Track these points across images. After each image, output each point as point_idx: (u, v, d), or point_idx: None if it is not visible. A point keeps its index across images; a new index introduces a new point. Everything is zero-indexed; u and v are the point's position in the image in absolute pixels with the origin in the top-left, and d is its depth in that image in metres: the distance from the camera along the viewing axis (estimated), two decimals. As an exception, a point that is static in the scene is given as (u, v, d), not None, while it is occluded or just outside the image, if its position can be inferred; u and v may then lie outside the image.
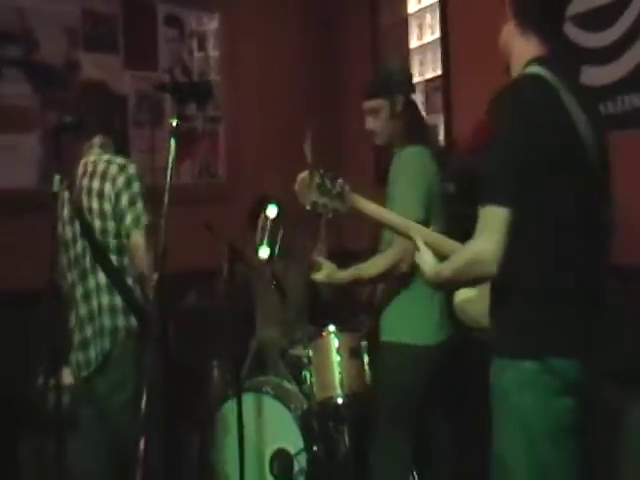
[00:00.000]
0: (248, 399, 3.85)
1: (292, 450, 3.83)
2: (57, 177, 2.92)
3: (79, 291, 3.47)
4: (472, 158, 3.90)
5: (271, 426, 3.84)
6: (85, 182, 3.45)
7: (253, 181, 5.29)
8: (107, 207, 3.39)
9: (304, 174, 2.63)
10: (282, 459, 3.87)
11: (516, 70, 2.41)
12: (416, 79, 5.34)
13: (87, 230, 3.43)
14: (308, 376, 3.88)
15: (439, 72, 5.14)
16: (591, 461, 2.38)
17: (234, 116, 5.57)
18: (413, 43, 5.44)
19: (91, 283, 3.44)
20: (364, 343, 3.96)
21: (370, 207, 2.73)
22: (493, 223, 2.19)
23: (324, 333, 3.91)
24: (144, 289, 3.41)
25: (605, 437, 2.86)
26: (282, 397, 3.92)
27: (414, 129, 3.53)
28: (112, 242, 3.40)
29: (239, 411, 3.56)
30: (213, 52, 5.62)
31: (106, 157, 3.49)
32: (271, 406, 3.93)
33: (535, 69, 2.31)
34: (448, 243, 2.61)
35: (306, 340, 4.10)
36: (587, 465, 2.34)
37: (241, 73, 5.55)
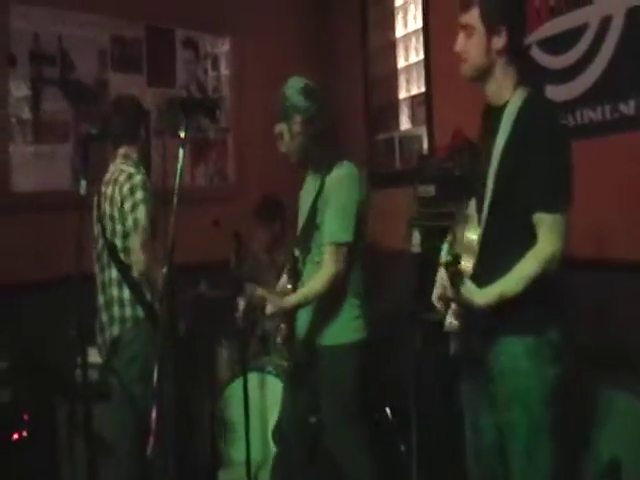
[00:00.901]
0: (253, 377, 3.90)
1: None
2: (83, 182, 2.92)
3: (99, 281, 3.53)
4: (449, 163, 3.90)
5: (273, 400, 3.83)
6: (104, 188, 3.49)
7: (258, 183, 5.30)
8: (115, 211, 3.43)
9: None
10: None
11: (503, 92, 2.42)
12: (403, 95, 5.37)
13: (102, 231, 3.46)
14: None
15: (423, 89, 5.12)
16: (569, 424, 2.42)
17: (242, 127, 5.60)
18: (400, 63, 5.42)
19: (106, 276, 3.49)
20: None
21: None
22: (560, 229, 2.26)
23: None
24: (150, 283, 3.42)
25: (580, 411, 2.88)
26: (283, 375, 3.94)
27: (326, 149, 3.21)
28: (119, 242, 3.44)
29: (245, 387, 3.59)
30: (225, 71, 5.62)
31: (122, 166, 3.50)
32: (273, 383, 3.94)
33: (534, 92, 2.39)
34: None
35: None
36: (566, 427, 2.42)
37: (249, 90, 5.56)
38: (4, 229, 4.25)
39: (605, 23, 3.49)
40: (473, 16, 2.42)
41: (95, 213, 3.55)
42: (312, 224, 3.17)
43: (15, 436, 3.74)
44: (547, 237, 2.25)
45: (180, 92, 5.25)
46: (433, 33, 4.98)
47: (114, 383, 3.45)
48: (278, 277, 3.65)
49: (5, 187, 4.53)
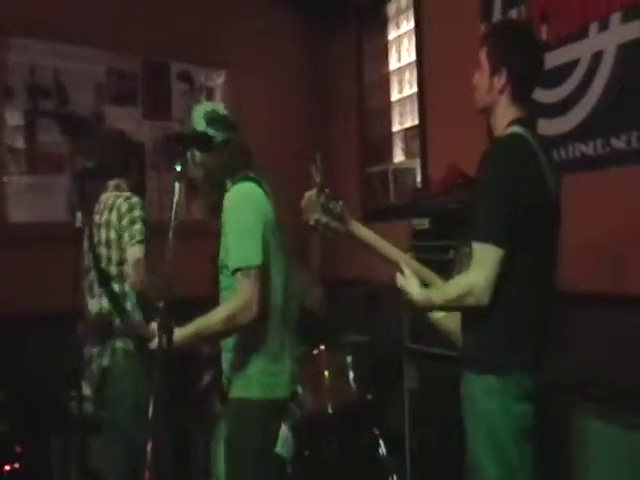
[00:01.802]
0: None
1: (285, 454, 3.82)
2: (79, 214, 2.96)
3: (92, 312, 3.51)
4: (444, 197, 3.94)
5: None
6: (97, 217, 3.51)
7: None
8: (112, 236, 3.44)
9: (311, 192, 2.51)
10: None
11: (499, 127, 2.50)
12: (396, 128, 5.43)
13: (95, 260, 3.48)
14: (299, 389, 3.87)
15: (416, 122, 5.16)
16: (545, 461, 2.41)
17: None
18: (394, 96, 5.49)
19: (96, 307, 3.48)
20: (349, 359, 3.97)
21: (365, 233, 2.59)
22: (489, 260, 2.25)
23: (315, 351, 3.92)
24: (143, 305, 3.43)
25: (555, 442, 2.87)
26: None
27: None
28: (114, 269, 3.44)
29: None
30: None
31: (116, 193, 3.54)
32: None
33: (517, 129, 2.41)
34: (428, 273, 2.56)
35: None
36: (543, 465, 2.37)
37: (243, 122, 5.59)
38: (-1, 260, 4.26)
39: (596, 59, 3.56)
40: (482, 54, 2.53)
41: (86, 244, 3.57)
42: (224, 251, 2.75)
43: (7, 467, 3.73)
44: (473, 266, 2.28)
45: (175, 125, 5.29)
46: (427, 66, 5.04)
47: (105, 416, 3.44)
48: None
49: (0, 218, 4.55)
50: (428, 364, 3.86)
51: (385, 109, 5.56)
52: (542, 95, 3.79)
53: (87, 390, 3.46)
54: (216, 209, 2.72)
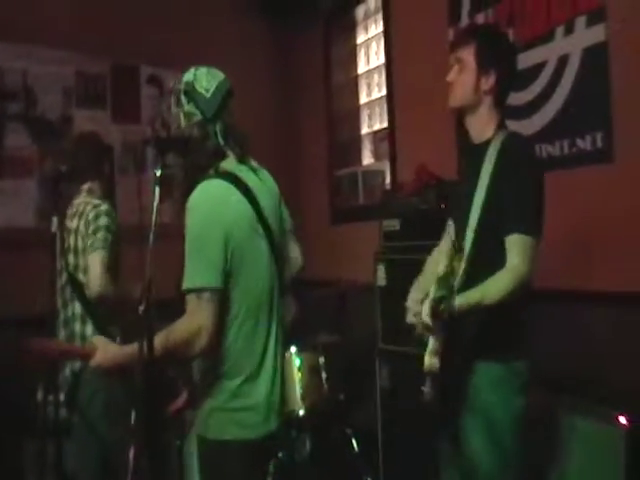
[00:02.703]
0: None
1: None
2: (55, 218, 2.96)
3: (61, 317, 3.51)
4: (414, 198, 4.00)
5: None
6: (68, 222, 3.51)
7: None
8: (80, 243, 3.45)
9: None
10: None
11: (482, 128, 2.55)
12: (365, 130, 5.49)
13: (66, 265, 3.48)
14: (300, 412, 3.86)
15: (385, 124, 5.22)
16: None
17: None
18: (363, 99, 5.55)
19: (69, 311, 3.49)
20: (322, 360, 4.00)
21: None
22: (530, 252, 2.33)
23: (287, 354, 3.93)
24: (94, 314, 3.42)
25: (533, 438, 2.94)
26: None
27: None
28: (82, 276, 3.45)
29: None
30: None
31: (87, 199, 3.54)
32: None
33: (513, 133, 2.54)
34: None
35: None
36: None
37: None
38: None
39: (562, 62, 3.64)
40: (468, 52, 2.53)
41: (58, 248, 3.56)
42: None
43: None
44: (520, 257, 2.32)
45: (145, 128, 5.29)
46: (395, 69, 5.10)
47: (76, 419, 3.45)
48: None
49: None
50: (400, 364, 3.91)
51: (354, 112, 5.62)
52: (510, 97, 3.86)
53: (62, 395, 3.47)
54: (187, 198, 2.43)
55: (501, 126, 2.53)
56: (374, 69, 5.40)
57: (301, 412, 3.85)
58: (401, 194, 4.17)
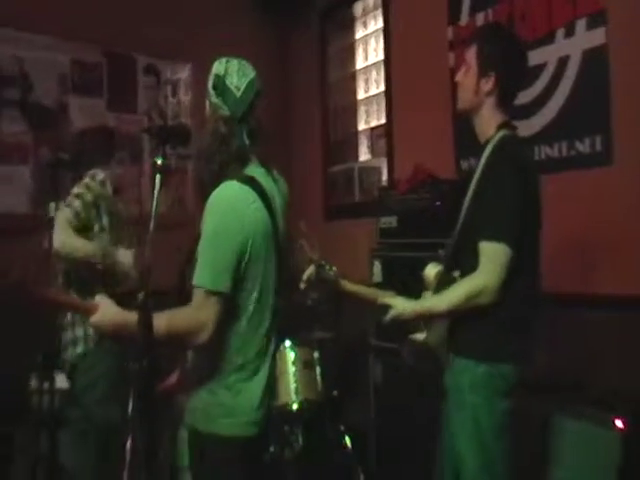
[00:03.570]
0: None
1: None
2: (52, 204, 2.97)
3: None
4: (411, 195, 4.02)
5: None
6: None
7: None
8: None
9: (310, 270, 2.61)
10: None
11: (485, 129, 2.55)
12: (362, 127, 5.49)
13: None
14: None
15: (383, 121, 5.23)
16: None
17: (201, 154, 5.61)
18: (360, 95, 5.56)
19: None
20: (316, 354, 4.01)
21: (351, 287, 2.77)
22: (501, 260, 2.31)
23: (281, 348, 3.93)
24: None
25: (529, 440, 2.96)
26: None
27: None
28: None
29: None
30: (184, 97, 5.68)
31: (89, 183, 3.56)
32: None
33: (509, 132, 2.52)
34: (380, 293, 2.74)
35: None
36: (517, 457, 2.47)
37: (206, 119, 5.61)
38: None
39: (562, 63, 3.66)
40: (471, 54, 2.55)
41: None
42: None
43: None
44: (483, 267, 2.33)
45: (141, 118, 5.30)
46: (394, 65, 5.11)
47: (74, 406, 3.46)
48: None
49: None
50: (393, 360, 3.93)
51: (351, 108, 5.62)
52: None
53: (61, 383, 3.47)
54: (201, 191, 2.41)
55: (502, 126, 2.53)
56: (372, 65, 5.40)
57: (294, 406, 3.86)
58: (397, 191, 4.19)
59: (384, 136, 5.19)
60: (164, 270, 4.04)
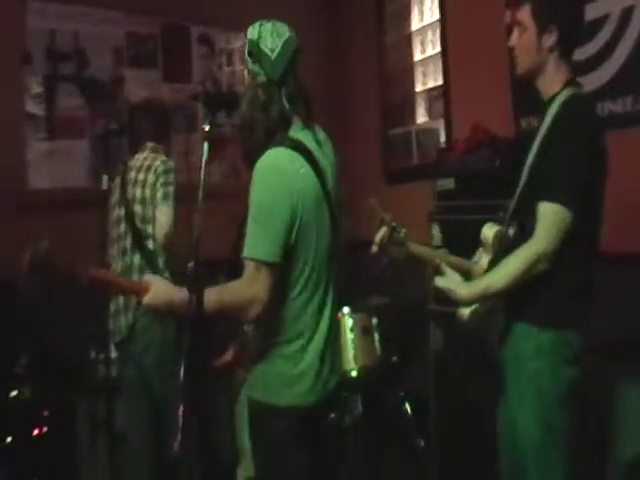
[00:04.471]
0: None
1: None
2: (105, 177, 3.00)
3: (118, 265, 3.58)
4: (469, 157, 3.94)
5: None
6: (133, 174, 3.59)
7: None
8: (147, 194, 3.53)
9: (383, 231, 2.49)
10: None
11: (551, 88, 2.45)
12: (419, 88, 5.40)
13: (130, 216, 3.53)
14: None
15: (440, 82, 5.14)
16: (585, 428, 2.43)
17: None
18: (417, 57, 5.45)
19: (127, 261, 3.55)
20: (375, 321, 3.98)
21: (419, 249, 2.60)
22: (559, 224, 2.25)
23: (339, 314, 3.92)
24: (170, 257, 3.51)
25: (595, 407, 2.89)
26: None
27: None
28: (149, 228, 3.53)
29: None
30: (239, 67, 5.64)
31: (153, 155, 3.65)
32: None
33: (577, 91, 2.43)
34: (467, 264, 2.60)
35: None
36: (583, 432, 2.41)
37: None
38: (20, 226, 4.28)
39: (626, 14, 3.51)
40: (524, 14, 2.43)
41: (117, 198, 3.61)
42: None
43: (35, 432, 3.80)
44: (541, 232, 2.26)
45: (196, 88, 5.30)
46: (450, 26, 5.00)
47: (129, 373, 3.51)
48: None
49: (21, 184, 4.59)
50: (453, 325, 3.88)
51: (408, 70, 5.52)
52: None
53: (114, 352, 3.53)
54: (249, 160, 2.37)
55: (569, 83, 2.44)
56: (428, 26, 5.29)
57: (353, 373, 3.86)
58: (455, 153, 4.10)
59: (441, 97, 5.11)
60: (221, 240, 4.09)
